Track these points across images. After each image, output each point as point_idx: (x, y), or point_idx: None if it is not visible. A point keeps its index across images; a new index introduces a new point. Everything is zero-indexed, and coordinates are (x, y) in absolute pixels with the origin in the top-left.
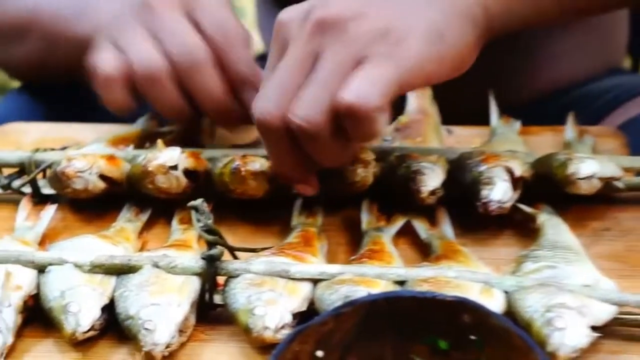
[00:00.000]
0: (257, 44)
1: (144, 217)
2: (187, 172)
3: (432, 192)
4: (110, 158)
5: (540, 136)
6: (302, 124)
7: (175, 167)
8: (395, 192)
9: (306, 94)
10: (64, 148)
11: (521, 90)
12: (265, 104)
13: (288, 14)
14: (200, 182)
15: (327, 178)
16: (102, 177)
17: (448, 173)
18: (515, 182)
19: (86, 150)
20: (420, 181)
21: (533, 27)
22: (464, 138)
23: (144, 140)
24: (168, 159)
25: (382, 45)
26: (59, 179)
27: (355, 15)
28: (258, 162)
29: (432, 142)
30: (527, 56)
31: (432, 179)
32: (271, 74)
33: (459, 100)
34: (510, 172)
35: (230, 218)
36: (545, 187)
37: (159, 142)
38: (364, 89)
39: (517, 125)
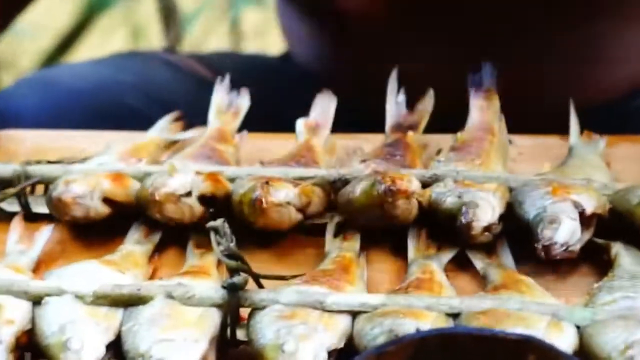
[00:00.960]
0: (278, 42)
1: (155, 238)
2: (204, 198)
3: (487, 228)
4: (117, 177)
5: (616, 148)
6: None
7: (188, 194)
8: (442, 225)
9: None
10: (55, 162)
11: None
12: None
13: None
14: (217, 208)
15: (362, 211)
16: (106, 200)
17: (507, 205)
18: (587, 220)
19: (91, 167)
20: (473, 215)
21: None
22: (528, 150)
23: (164, 150)
24: (179, 186)
25: None
26: (55, 206)
27: None
28: (284, 191)
29: (494, 167)
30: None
31: (487, 212)
32: None
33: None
34: (580, 208)
35: (254, 242)
36: (624, 225)
37: (170, 164)
38: None
39: (601, 144)
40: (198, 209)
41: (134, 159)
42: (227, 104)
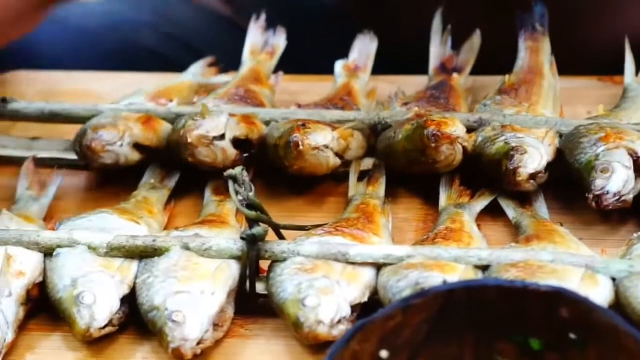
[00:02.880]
0: None
1: (171, 183)
2: (238, 141)
3: (533, 176)
4: (147, 120)
5: None
6: None
7: (222, 137)
8: (484, 170)
9: None
10: None
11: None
12: None
13: None
14: (252, 152)
15: (403, 156)
16: (137, 145)
17: (557, 152)
18: None
19: (120, 107)
20: (520, 161)
21: None
22: (577, 92)
23: (195, 93)
24: (211, 128)
25: None
26: (84, 154)
27: None
28: (322, 134)
29: (543, 110)
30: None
31: (535, 160)
32: None
33: None
34: (635, 156)
35: (275, 188)
36: None
37: (203, 105)
38: None
39: None
40: (232, 152)
41: (164, 99)
42: (263, 43)
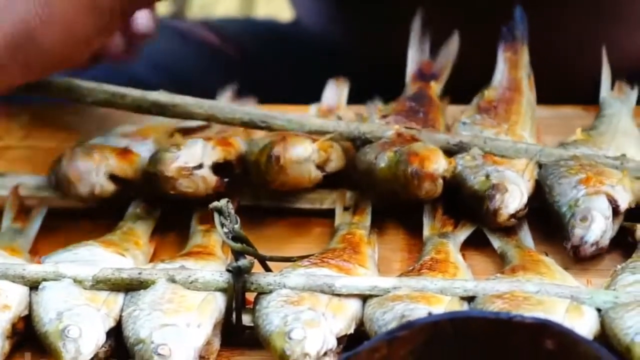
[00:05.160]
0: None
1: (156, 213)
2: (217, 166)
3: (513, 215)
4: (123, 152)
5: None
6: None
7: (200, 165)
8: (465, 204)
9: None
10: None
11: (584, 65)
12: None
13: None
14: (234, 174)
15: (383, 184)
16: (112, 177)
17: (536, 182)
18: (619, 213)
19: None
20: (501, 201)
21: None
22: (561, 121)
23: (170, 135)
24: (189, 158)
25: None
26: (59, 182)
27: None
28: (302, 146)
29: (522, 132)
30: (614, 22)
31: (515, 198)
32: None
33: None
34: (614, 203)
35: (260, 219)
36: None
37: (177, 135)
38: None
39: (632, 98)
40: (212, 179)
41: (140, 137)
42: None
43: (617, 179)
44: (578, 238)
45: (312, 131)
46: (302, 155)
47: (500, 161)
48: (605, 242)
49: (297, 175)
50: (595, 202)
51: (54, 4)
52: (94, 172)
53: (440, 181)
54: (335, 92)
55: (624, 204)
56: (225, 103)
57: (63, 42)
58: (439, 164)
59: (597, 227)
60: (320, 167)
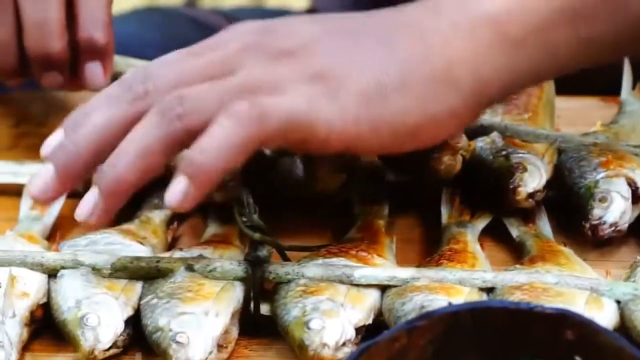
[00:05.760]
0: None
1: None
2: None
3: (531, 195)
4: None
5: None
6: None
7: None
8: (483, 185)
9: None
10: None
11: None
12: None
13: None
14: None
15: (403, 160)
16: None
17: (555, 169)
18: (638, 197)
19: None
20: (520, 179)
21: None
22: (565, 113)
23: None
24: None
25: (303, 87)
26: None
27: (297, 48)
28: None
29: (542, 123)
30: None
31: (535, 179)
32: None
33: None
34: (634, 186)
35: (278, 209)
36: None
37: None
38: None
39: None
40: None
41: None
42: None
43: (637, 164)
44: (597, 218)
45: None
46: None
47: (520, 144)
48: (624, 224)
49: (327, 183)
50: (615, 184)
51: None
52: None
53: (459, 157)
54: None
55: None
56: None
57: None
58: (460, 138)
59: (616, 208)
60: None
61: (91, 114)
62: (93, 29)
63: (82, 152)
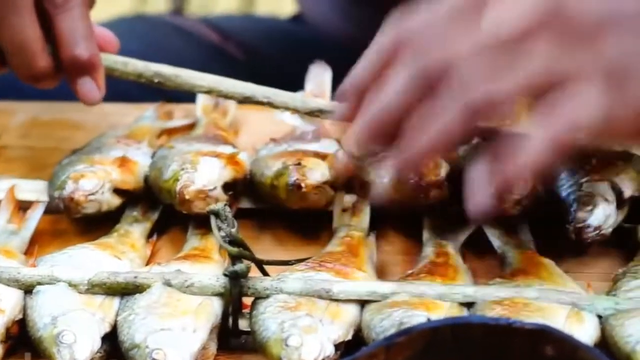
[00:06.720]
0: (287, 6)
1: (154, 215)
2: (226, 184)
3: (518, 202)
4: (123, 162)
5: None
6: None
7: (214, 188)
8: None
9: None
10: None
11: None
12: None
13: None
14: (238, 192)
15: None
16: (116, 190)
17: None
18: (622, 202)
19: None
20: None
21: None
22: None
23: (157, 137)
24: (207, 182)
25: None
26: (66, 206)
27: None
28: (319, 170)
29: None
30: None
31: (520, 186)
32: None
33: None
34: (618, 190)
35: (257, 223)
36: None
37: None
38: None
39: None
40: (223, 197)
41: (134, 142)
42: (214, 104)
43: (621, 169)
44: (581, 221)
45: (315, 110)
46: (321, 180)
47: None
48: (608, 228)
49: (316, 199)
50: (599, 188)
51: None
52: (99, 191)
53: (446, 184)
54: (317, 78)
55: (628, 191)
56: (228, 79)
57: None
58: (439, 171)
59: (600, 212)
60: (332, 184)
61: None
62: (73, 45)
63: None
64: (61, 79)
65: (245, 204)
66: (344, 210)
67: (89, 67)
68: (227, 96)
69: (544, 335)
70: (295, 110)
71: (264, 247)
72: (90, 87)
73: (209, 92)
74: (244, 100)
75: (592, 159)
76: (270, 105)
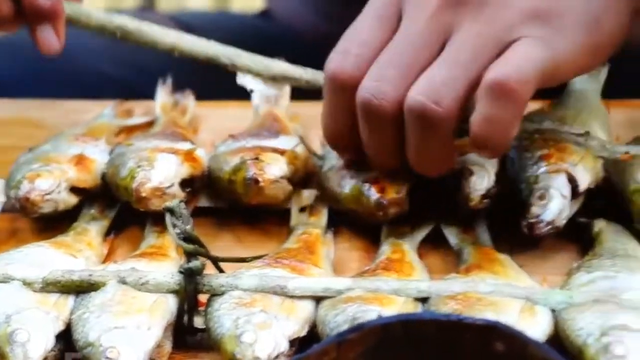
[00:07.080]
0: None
1: (111, 213)
2: (184, 181)
3: (485, 195)
4: (80, 160)
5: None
6: (432, 107)
7: (171, 185)
8: (437, 195)
9: (437, 74)
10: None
11: None
12: (382, 85)
13: None
14: (197, 189)
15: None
16: (73, 189)
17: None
18: (578, 193)
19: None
20: (468, 186)
21: None
22: None
23: (115, 135)
24: (164, 179)
25: (534, 28)
26: (22, 206)
27: None
28: (277, 165)
29: None
30: None
31: (483, 180)
32: (387, 50)
33: None
34: (574, 183)
35: (216, 221)
36: (613, 201)
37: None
38: (516, 65)
39: (602, 75)
40: (180, 194)
41: (91, 139)
42: (173, 102)
43: (579, 157)
44: (534, 216)
45: (278, 75)
46: (279, 175)
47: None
48: (562, 222)
49: (274, 194)
50: (555, 181)
51: None
52: (55, 190)
53: (407, 199)
54: None
55: (583, 184)
56: (192, 37)
57: None
58: (401, 188)
59: (554, 206)
60: (290, 180)
61: None
62: None
63: None
64: (21, 24)
65: (204, 202)
66: (302, 209)
67: (50, 14)
68: (189, 55)
69: (495, 331)
70: (257, 75)
71: (223, 245)
72: (50, 35)
73: (171, 50)
74: (207, 61)
75: (550, 145)
76: (233, 68)
